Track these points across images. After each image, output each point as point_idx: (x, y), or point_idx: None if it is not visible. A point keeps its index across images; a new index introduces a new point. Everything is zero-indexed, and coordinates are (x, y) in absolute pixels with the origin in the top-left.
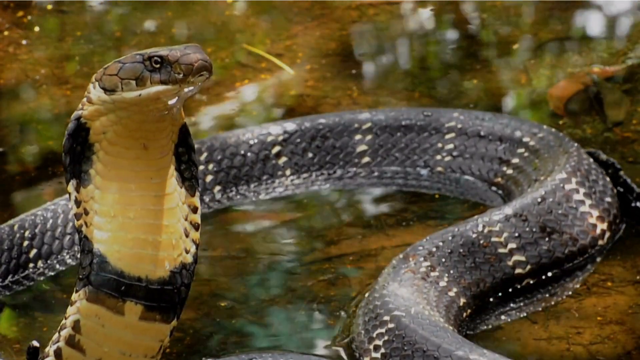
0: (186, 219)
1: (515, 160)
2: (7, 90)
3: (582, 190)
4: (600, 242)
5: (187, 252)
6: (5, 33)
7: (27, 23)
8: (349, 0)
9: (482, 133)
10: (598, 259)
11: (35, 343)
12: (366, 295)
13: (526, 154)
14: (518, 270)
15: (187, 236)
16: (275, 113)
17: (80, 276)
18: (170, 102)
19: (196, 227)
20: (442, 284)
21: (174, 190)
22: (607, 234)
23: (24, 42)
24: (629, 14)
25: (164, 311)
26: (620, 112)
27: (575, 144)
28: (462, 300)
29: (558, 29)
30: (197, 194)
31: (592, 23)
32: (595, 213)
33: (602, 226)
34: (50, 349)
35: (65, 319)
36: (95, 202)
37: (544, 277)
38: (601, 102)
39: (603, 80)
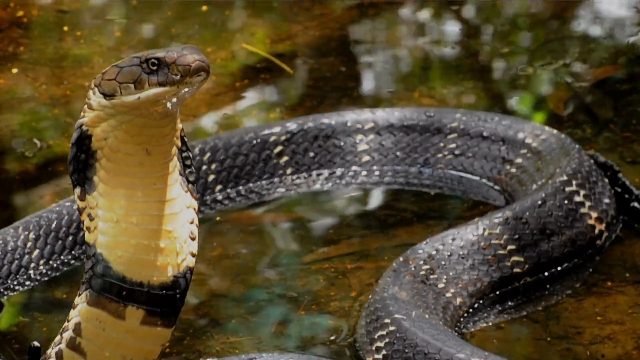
0: (192, 223)
1: (518, 161)
2: (7, 90)
3: (582, 192)
4: (598, 242)
5: (190, 256)
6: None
7: (27, 23)
8: (349, 0)
9: (484, 134)
10: (598, 259)
11: (36, 343)
12: (368, 297)
13: (529, 155)
14: (516, 270)
15: (191, 240)
16: (275, 113)
17: (83, 280)
18: (170, 104)
19: (197, 231)
20: (442, 286)
21: (177, 196)
22: (605, 234)
23: (23, 41)
24: (628, 14)
25: (165, 316)
26: (607, 110)
27: (577, 146)
28: (462, 302)
29: (558, 29)
30: (197, 197)
31: (592, 23)
32: (594, 214)
33: (600, 227)
34: (52, 351)
35: (68, 321)
36: (99, 208)
37: (543, 277)
38: (588, 103)
39: (595, 81)
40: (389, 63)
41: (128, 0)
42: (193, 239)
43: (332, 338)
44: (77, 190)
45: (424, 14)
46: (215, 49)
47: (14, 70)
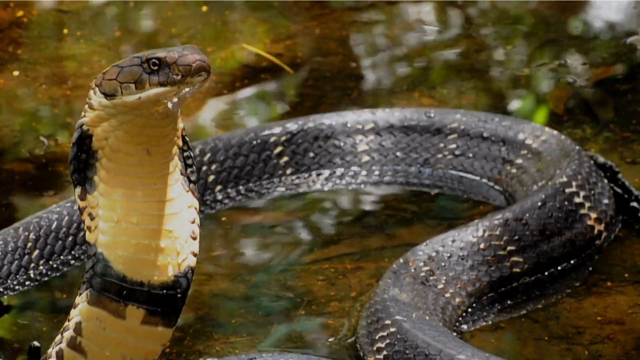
0: (193, 222)
1: (518, 162)
2: (7, 90)
3: (582, 194)
4: (597, 242)
5: (190, 256)
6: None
7: (27, 23)
8: (349, 0)
9: (484, 134)
10: (598, 259)
11: (36, 343)
12: (368, 298)
13: (529, 156)
14: (515, 270)
15: (192, 240)
16: (275, 113)
17: (84, 279)
18: (170, 104)
19: (198, 231)
20: (441, 287)
21: (178, 195)
22: (604, 235)
23: (23, 41)
24: (628, 13)
25: (166, 315)
26: (608, 110)
27: (577, 147)
28: (461, 302)
29: (558, 29)
30: (198, 197)
31: (592, 23)
32: (594, 215)
33: (599, 227)
34: (52, 350)
35: (68, 321)
36: (100, 208)
37: (543, 277)
38: (589, 103)
39: (595, 81)
40: (389, 63)
41: (128, 0)
42: (194, 239)
43: (332, 338)
44: (78, 189)
45: (424, 14)
46: (215, 49)
47: (15, 73)
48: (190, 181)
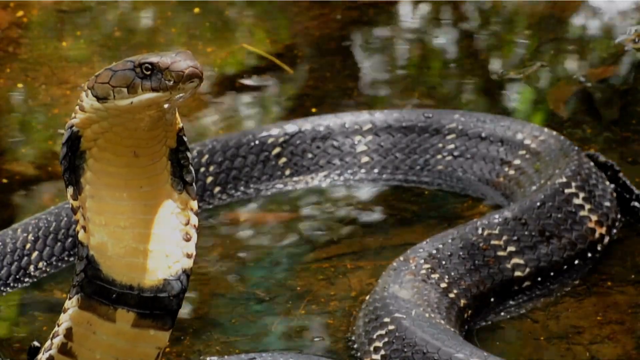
0: (187, 224)
1: (516, 162)
2: (7, 90)
3: (581, 195)
4: (599, 247)
5: (184, 258)
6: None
7: (27, 23)
8: (349, 0)
9: (483, 135)
10: (598, 259)
11: (36, 343)
12: (367, 297)
13: (527, 156)
14: (517, 273)
15: (183, 243)
16: (274, 113)
17: (74, 283)
18: (162, 109)
19: (195, 233)
20: (443, 285)
21: (167, 198)
22: (606, 238)
23: (23, 41)
24: (628, 13)
25: (158, 318)
26: (614, 110)
27: (576, 148)
28: (462, 302)
29: (557, 29)
30: (196, 198)
31: (592, 23)
32: (594, 217)
33: (600, 230)
34: (42, 357)
35: (58, 326)
36: (87, 210)
37: (543, 277)
38: (594, 102)
39: (595, 81)
40: (389, 63)
41: (128, 0)
42: (188, 240)
43: (331, 338)
44: (70, 189)
45: (424, 14)
46: (215, 49)
47: (20, 85)
48: (185, 182)
